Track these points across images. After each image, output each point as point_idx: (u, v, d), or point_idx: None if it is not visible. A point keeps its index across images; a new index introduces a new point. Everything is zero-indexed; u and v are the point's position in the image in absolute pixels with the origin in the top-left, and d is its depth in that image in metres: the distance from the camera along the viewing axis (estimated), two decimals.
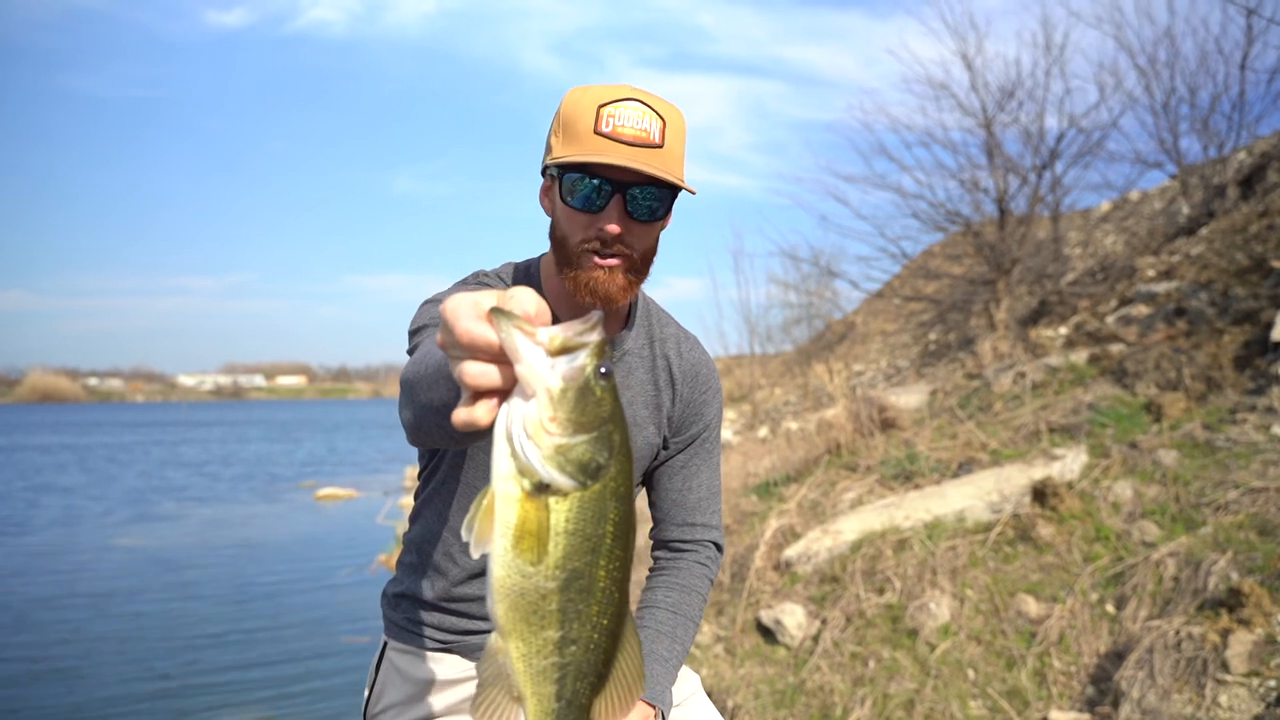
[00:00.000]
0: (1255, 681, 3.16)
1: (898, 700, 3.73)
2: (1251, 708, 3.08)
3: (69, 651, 6.89)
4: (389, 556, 9.82)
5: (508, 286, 1.31)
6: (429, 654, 1.48)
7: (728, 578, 4.94)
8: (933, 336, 13.67)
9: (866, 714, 3.72)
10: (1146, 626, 3.61)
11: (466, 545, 0.75)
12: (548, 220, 1.40)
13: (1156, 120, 10.24)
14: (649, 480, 1.57)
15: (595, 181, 1.26)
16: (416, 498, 1.55)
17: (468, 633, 1.47)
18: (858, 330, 17.13)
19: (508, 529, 0.74)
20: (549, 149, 1.32)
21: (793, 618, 4.36)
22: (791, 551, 4.83)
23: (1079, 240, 13.11)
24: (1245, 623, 3.34)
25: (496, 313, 0.71)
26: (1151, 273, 8.04)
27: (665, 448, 1.53)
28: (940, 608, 4.12)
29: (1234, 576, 3.61)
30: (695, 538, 1.56)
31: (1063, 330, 8.04)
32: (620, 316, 1.46)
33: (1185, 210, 10.08)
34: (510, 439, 0.73)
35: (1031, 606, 4.01)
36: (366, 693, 1.55)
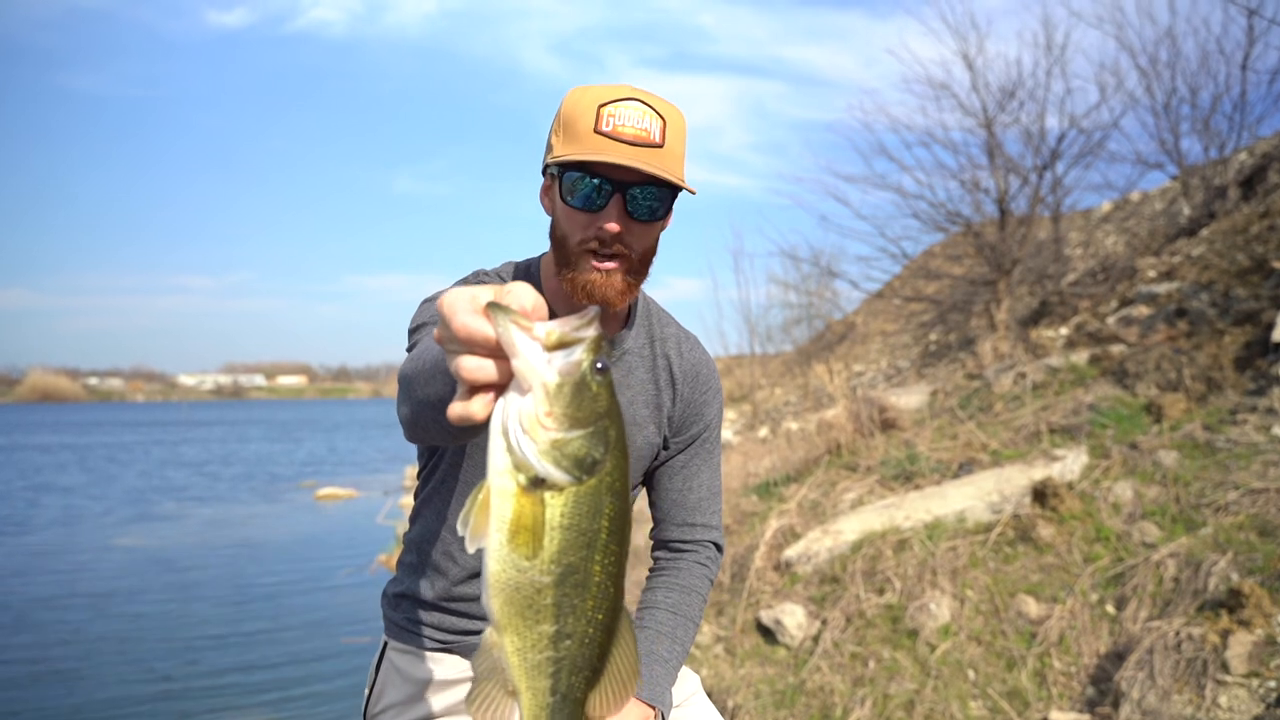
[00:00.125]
0: (1255, 682, 3.16)
1: (898, 701, 3.73)
2: (1251, 708, 3.08)
3: (69, 652, 6.88)
4: (389, 556, 9.82)
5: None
6: (429, 654, 1.48)
7: (728, 578, 4.93)
8: (933, 337, 13.67)
9: (866, 714, 3.72)
10: (1147, 627, 3.61)
11: (465, 542, 0.75)
12: (548, 220, 1.41)
13: (1157, 121, 10.24)
14: (649, 480, 1.57)
15: (595, 181, 1.26)
16: (416, 497, 1.54)
17: (468, 633, 1.47)
18: (858, 330, 17.12)
19: (503, 523, 0.74)
20: (549, 148, 1.32)
21: (793, 618, 4.36)
22: (792, 552, 4.83)
23: (1080, 241, 13.10)
24: (1245, 623, 3.34)
25: (494, 307, 0.72)
26: (1152, 273, 8.03)
27: (666, 448, 1.53)
28: (940, 608, 4.11)
29: (1234, 577, 3.61)
30: (695, 538, 1.56)
31: (1063, 331, 8.04)
32: (620, 316, 1.46)
33: (1186, 211, 10.08)
34: (506, 433, 0.73)
35: (1032, 607, 4.01)
36: (366, 693, 1.55)
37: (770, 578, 4.79)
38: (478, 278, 1.44)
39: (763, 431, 10.73)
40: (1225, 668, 3.24)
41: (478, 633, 1.46)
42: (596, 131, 1.25)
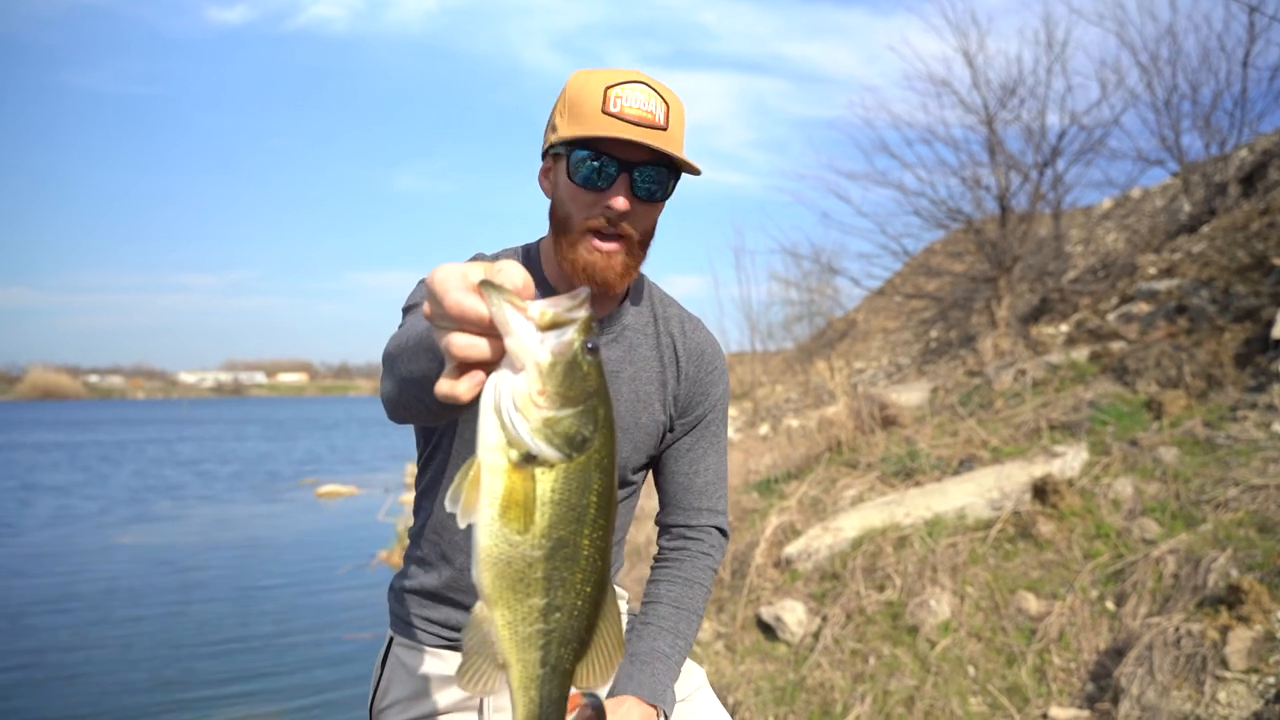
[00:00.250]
0: (1254, 678, 3.17)
1: (898, 697, 3.74)
2: (1250, 704, 3.09)
3: (69, 654, 6.87)
4: (390, 553, 9.83)
5: None
6: (434, 650, 1.48)
7: (728, 575, 4.94)
8: (934, 334, 13.67)
9: (867, 711, 3.72)
10: (1146, 623, 3.62)
11: (456, 518, 0.76)
12: (546, 209, 1.41)
13: (1158, 117, 10.24)
14: (656, 465, 1.57)
15: (603, 159, 1.27)
16: (416, 487, 1.54)
17: None
18: (859, 328, 17.12)
19: (494, 499, 0.75)
20: (553, 129, 1.32)
21: (793, 614, 4.37)
22: (792, 548, 4.84)
23: (1080, 238, 13.10)
24: (1245, 620, 3.34)
25: (487, 285, 0.73)
26: (1153, 270, 8.03)
27: (671, 429, 1.53)
28: (940, 605, 4.12)
29: (1234, 573, 3.61)
30: (701, 523, 1.56)
31: (1064, 328, 8.04)
32: (617, 296, 1.46)
33: (1187, 208, 10.07)
34: (499, 411, 0.74)
35: (1032, 603, 4.02)
36: (372, 688, 1.55)
37: (771, 574, 4.80)
38: (478, 259, 1.44)
39: (763, 429, 10.74)
40: (1224, 664, 3.24)
41: None
42: (604, 112, 1.26)
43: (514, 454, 0.75)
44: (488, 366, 0.76)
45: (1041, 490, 4.55)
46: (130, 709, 5.68)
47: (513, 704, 0.84)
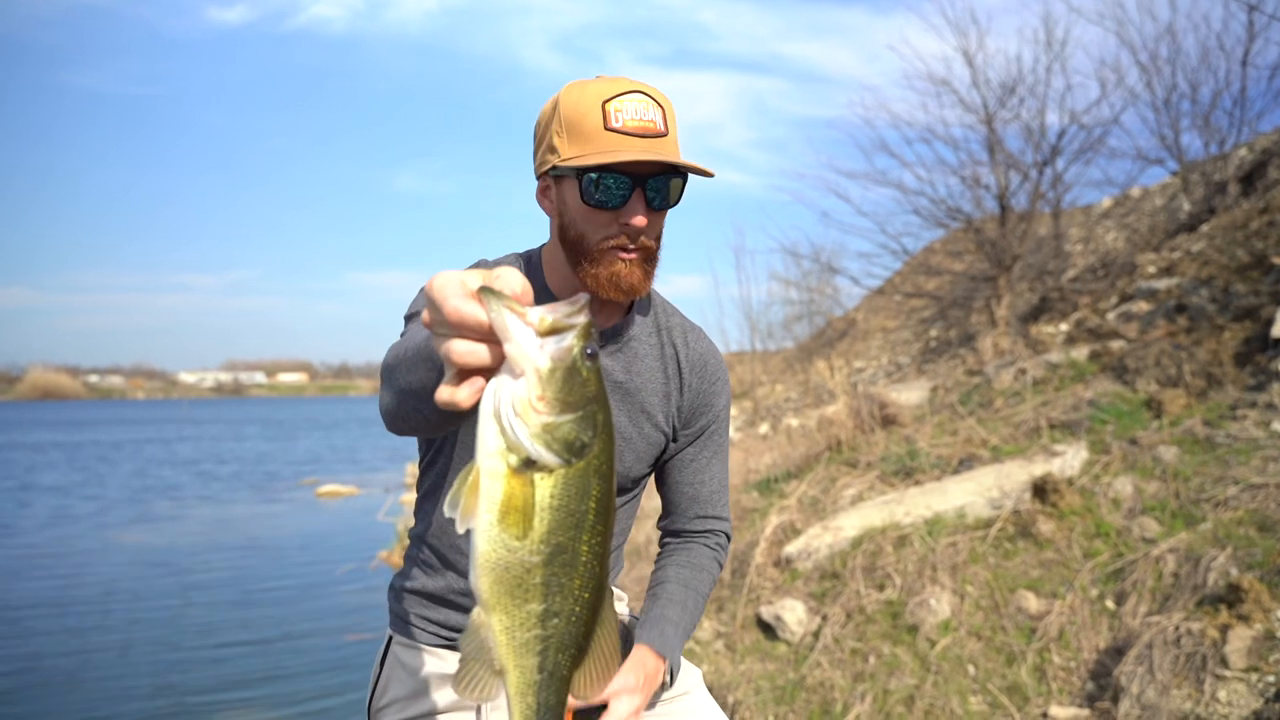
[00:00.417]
0: (1254, 677, 3.17)
1: (898, 696, 3.74)
2: (1250, 703, 3.09)
3: (68, 655, 6.86)
4: (390, 553, 9.83)
5: None
6: (434, 649, 1.48)
7: (728, 574, 4.94)
8: (933, 333, 13.68)
9: (867, 710, 3.73)
10: (1146, 622, 3.62)
11: (455, 523, 0.76)
12: (547, 218, 1.41)
13: (1158, 116, 10.23)
14: (659, 473, 1.57)
15: (615, 179, 1.27)
16: (418, 490, 1.54)
17: None
18: (859, 327, 17.13)
19: (493, 504, 0.75)
20: (551, 150, 1.31)
21: (793, 614, 4.37)
22: (792, 548, 4.84)
23: (1080, 237, 13.10)
24: (1244, 618, 3.34)
25: (486, 292, 0.73)
26: (1152, 269, 8.03)
27: (674, 439, 1.53)
28: (940, 604, 4.12)
29: (1233, 572, 3.62)
30: (707, 528, 1.57)
31: (1063, 327, 8.04)
32: (622, 305, 1.46)
33: (1186, 207, 10.07)
34: (498, 416, 0.74)
35: (1031, 602, 4.02)
36: (370, 687, 1.55)
37: (771, 574, 4.80)
38: (480, 266, 1.44)
39: (763, 428, 10.75)
40: (1224, 662, 3.24)
41: None
42: (607, 129, 1.26)
43: (513, 459, 0.75)
44: (487, 373, 0.76)
45: (1041, 489, 4.56)
46: (130, 710, 5.68)
47: (510, 710, 0.84)
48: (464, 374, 0.76)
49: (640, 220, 1.29)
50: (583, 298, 0.76)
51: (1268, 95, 10.21)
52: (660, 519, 1.61)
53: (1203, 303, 6.29)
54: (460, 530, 0.76)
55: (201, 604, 8.42)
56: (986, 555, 4.36)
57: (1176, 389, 5.35)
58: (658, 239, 1.35)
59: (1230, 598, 3.43)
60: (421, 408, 1.03)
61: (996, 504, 4.68)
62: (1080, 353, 6.44)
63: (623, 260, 1.31)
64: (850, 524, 4.83)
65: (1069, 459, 4.87)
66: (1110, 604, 3.89)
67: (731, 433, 11.21)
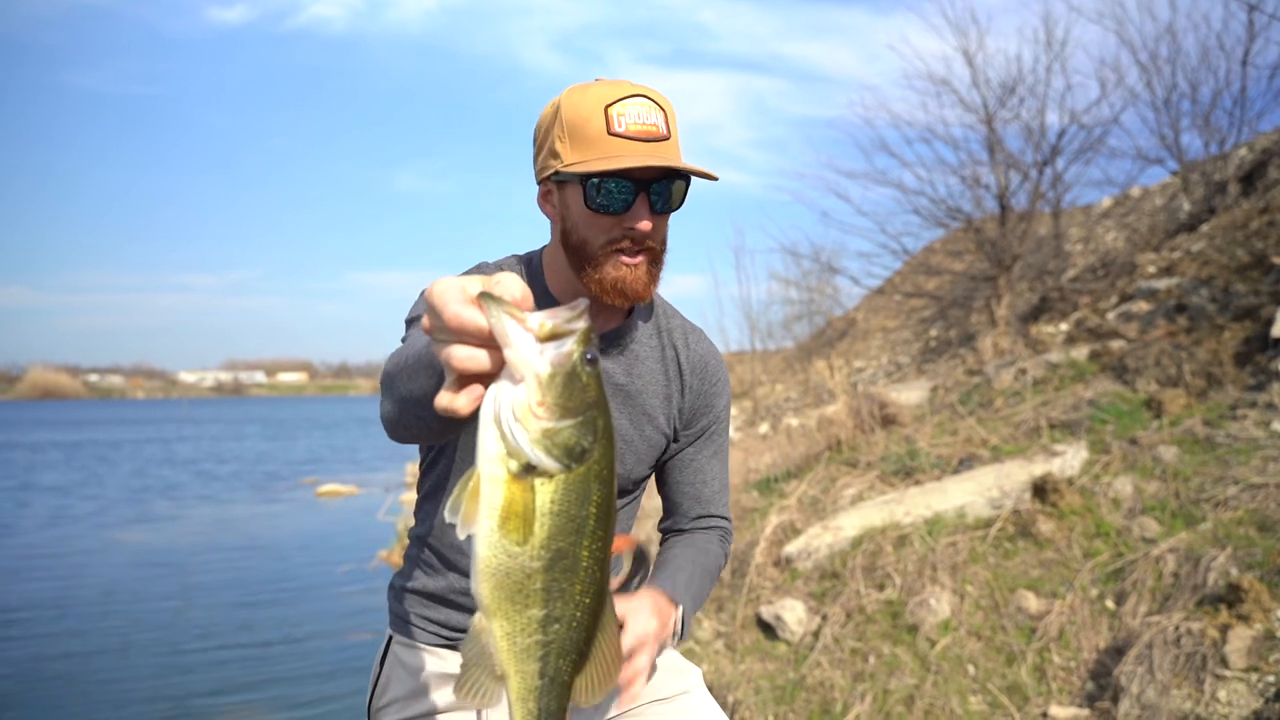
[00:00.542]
0: (1254, 677, 3.17)
1: (898, 696, 3.74)
2: (1250, 703, 3.09)
3: (67, 656, 6.85)
4: (390, 553, 9.83)
5: None
6: (434, 649, 1.48)
7: (728, 574, 4.94)
8: (933, 333, 13.68)
9: (866, 709, 3.73)
10: (1146, 622, 3.62)
11: (455, 529, 0.76)
12: (548, 222, 1.40)
13: (1158, 116, 10.23)
14: (660, 474, 1.58)
15: (619, 184, 1.26)
16: (419, 491, 1.54)
17: None
18: (859, 327, 17.13)
19: (494, 510, 0.75)
20: (553, 155, 1.31)
21: (793, 613, 4.37)
22: (792, 547, 4.84)
23: (1080, 236, 13.11)
24: (1244, 618, 3.34)
25: (486, 297, 0.73)
26: (1152, 269, 8.03)
27: (675, 440, 1.53)
28: (940, 603, 4.12)
29: (1233, 572, 3.62)
30: (709, 526, 1.58)
31: (1063, 326, 8.04)
32: (623, 309, 1.46)
33: (1186, 206, 10.07)
34: (499, 422, 0.75)
35: (1031, 602, 4.02)
36: (370, 687, 1.55)
37: (770, 573, 4.80)
38: (481, 270, 1.44)
39: (763, 428, 10.75)
40: (1224, 662, 3.25)
41: None
42: (610, 134, 1.25)
43: (514, 465, 0.75)
44: (488, 378, 0.76)
45: (1041, 489, 4.56)
46: (130, 711, 5.67)
47: (511, 715, 0.84)
48: (464, 380, 0.76)
49: (645, 225, 1.29)
50: (582, 303, 0.76)
51: (1268, 95, 10.21)
52: (661, 520, 1.61)
53: (1203, 303, 6.29)
54: (461, 536, 0.76)
55: (201, 604, 8.41)
56: (986, 555, 4.36)
57: (1176, 389, 5.35)
58: (662, 242, 1.35)
59: (1230, 598, 3.43)
60: (423, 415, 1.03)
61: (996, 504, 4.68)
62: (1080, 353, 6.44)
63: (627, 264, 1.31)
64: (850, 524, 4.83)
65: (1069, 459, 4.87)
66: (1110, 604, 3.89)
67: (731, 433, 11.20)
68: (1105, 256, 11.15)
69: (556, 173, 1.31)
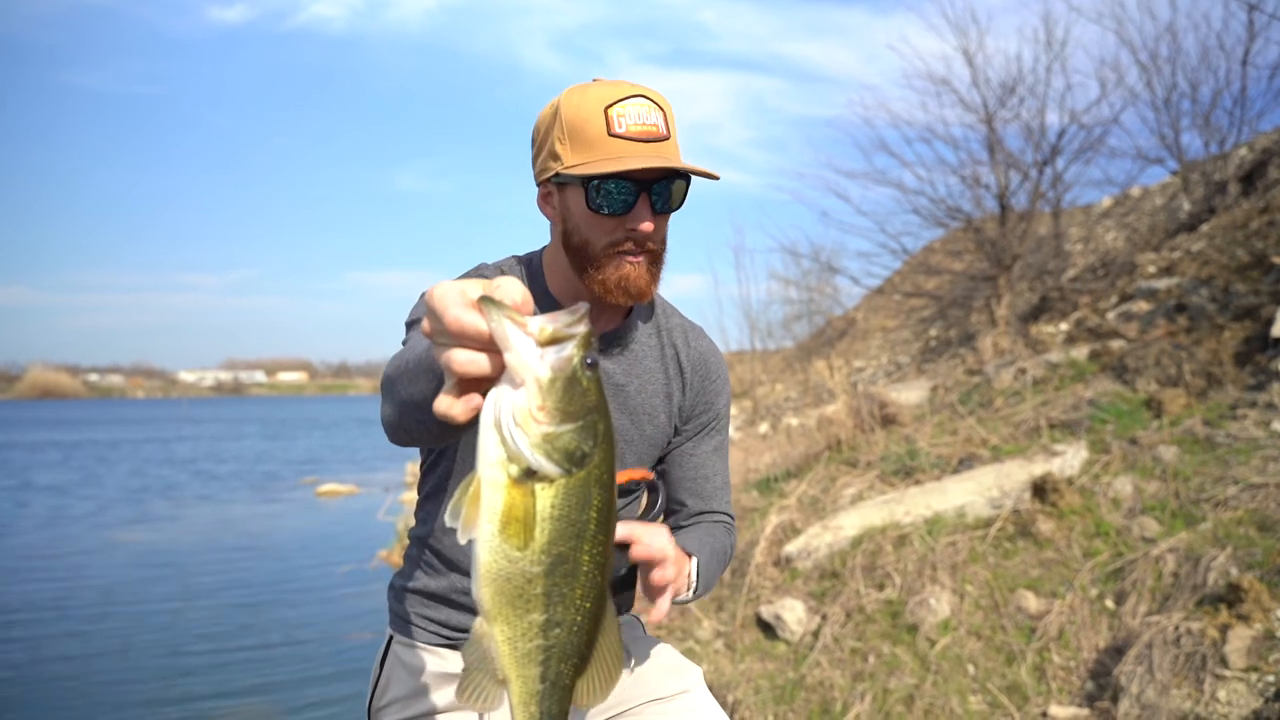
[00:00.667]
0: (1254, 676, 3.17)
1: (897, 695, 3.74)
2: (1250, 703, 3.09)
3: (67, 657, 6.85)
4: (390, 552, 9.83)
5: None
6: (434, 649, 1.48)
7: (728, 573, 4.94)
8: (933, 332, 13.68)
9: (866, 709, 3.73)
10: (1146, 622, 3.62)
11: (456, 533, 0.76)
12: (548, 222, 1.40)
13: (1158, 116, 10.23)
14: (660, 469, 1.58)
15: (620, 185, 1.27)
16: (419, 492, 1.54)
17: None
18: (858, 326, 17.13)
19: (494, 514, 0.76)
20: (553, 156, 1.30)
21: (793, 613, 4.37)
22: (792, 547, 4.84)
23: (1080, 236, 13.11)
24: (1244, 618, 3.34)
25: (487, 301, 0.73)
26: (1152, 269, 8.03)
27: (676, 435, 1.54)
28: (940, 603, 4.12)
29: (1233, 572, 3.62)
30: (714, 521, 1.58)
31: (1063, 326, 8.04)
32: (622, 309, 1.46)
33: (1186, 206, 10.07)
34: (499, 426, 0.75)
35: (1031, 602, 4.02)
36: (371, 687, 1.55)
37: (770, 573, 4.80)
38: (480, 271, 1.44)
39: (763, 427, 10.75)
40: (1224, 662, 3.25)
41: None
42: (611, 135, 1.25)
43: (514, 469, 0.75)
44: (488, 383, 0.76)
45: (1041, 489, 4.56)
46: (130, 712, 5.67)
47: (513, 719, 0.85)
48: (464, 383, 0.76)
49: (647, 225, 1.29)
50: (583, 307, 0.76)
51: (1268, 95, 10.21)
52: (664, 520, 1.61)
53: (1203, 302, 6.29)
54: (462, 540, 0.76)
55: (201, 604, 8.41)
56: (986, 555, 4.36)
57: (1176, 389, 5.35)
58: (663, 242, 1.36)
59: (1230, 597, 3.43)
60: (423, 419, 1.03)
61: (996, 503, 4.68)
62: (1080, 352, 6.44)
63: (629, 264, 1.31)
64: (850, 523, 4.83)
65: (1069, 459, 4.87)
66: (1110, 604, 3.89)
67: (731, 432, 11.21)
68: (1105, 256, 11.15)
69: (557, 175, 1.31)
